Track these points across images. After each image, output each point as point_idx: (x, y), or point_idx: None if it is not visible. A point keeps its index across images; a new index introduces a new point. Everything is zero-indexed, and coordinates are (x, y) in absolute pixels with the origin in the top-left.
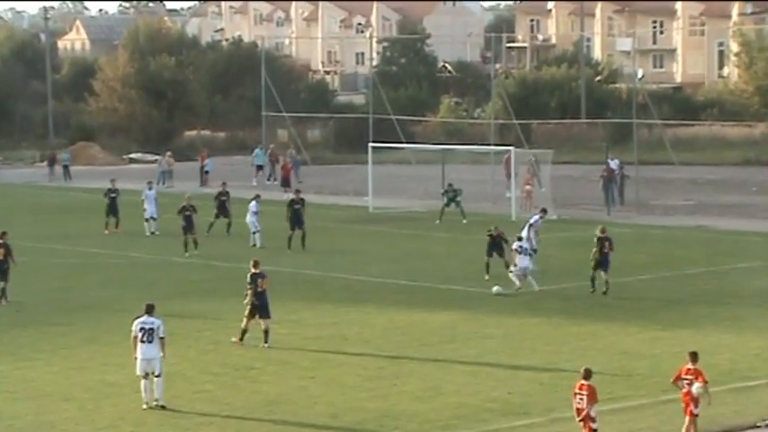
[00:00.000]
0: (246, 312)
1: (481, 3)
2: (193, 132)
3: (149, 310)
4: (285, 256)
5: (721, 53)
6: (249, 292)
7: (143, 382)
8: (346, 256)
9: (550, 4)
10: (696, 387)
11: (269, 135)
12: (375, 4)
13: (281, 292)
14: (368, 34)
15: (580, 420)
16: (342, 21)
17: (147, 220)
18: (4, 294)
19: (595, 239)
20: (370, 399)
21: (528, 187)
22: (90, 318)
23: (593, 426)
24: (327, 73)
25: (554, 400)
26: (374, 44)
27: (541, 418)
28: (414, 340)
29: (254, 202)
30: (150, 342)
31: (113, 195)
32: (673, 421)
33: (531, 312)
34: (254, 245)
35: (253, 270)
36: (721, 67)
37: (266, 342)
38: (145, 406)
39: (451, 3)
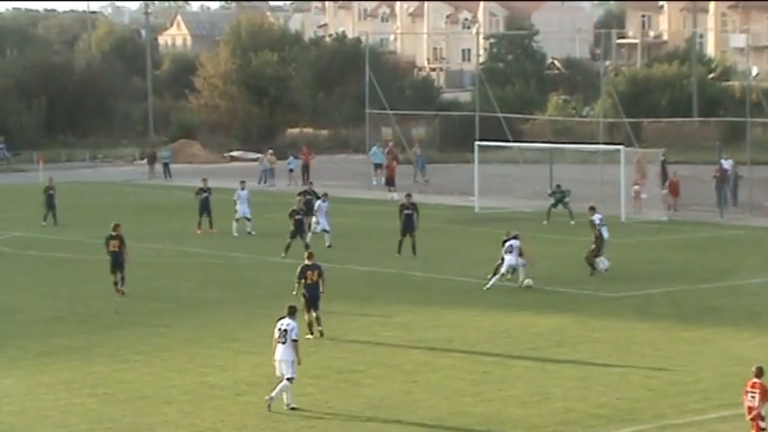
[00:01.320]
0: (303, 305)
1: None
2: (296, 130)
3: (291, 313)
4: (390, 257)
5: None
6: (297, 283)
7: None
8: (451, 257)
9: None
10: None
11: (373, 133)
12: None
13: (385, 293)
14: (474, 30)
15: (751, 419)
16: (448, 16)
17: (236, 220)
18: (123, 284)
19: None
20: (475, 403)
21: (637, 187)
22: (189, 319)
23: (762, 425)
24: (433, 70)
25: (663, 406)
26: (481, 40)
27: (650, 425)
28: (520, 343)
29: (321, 201)
30: (284, 343)
31: (205, 195)
32: None
33: (639, 316)
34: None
35: (306, 262)
36: None
37: (319, 326)
38: (285, 407)
39: None
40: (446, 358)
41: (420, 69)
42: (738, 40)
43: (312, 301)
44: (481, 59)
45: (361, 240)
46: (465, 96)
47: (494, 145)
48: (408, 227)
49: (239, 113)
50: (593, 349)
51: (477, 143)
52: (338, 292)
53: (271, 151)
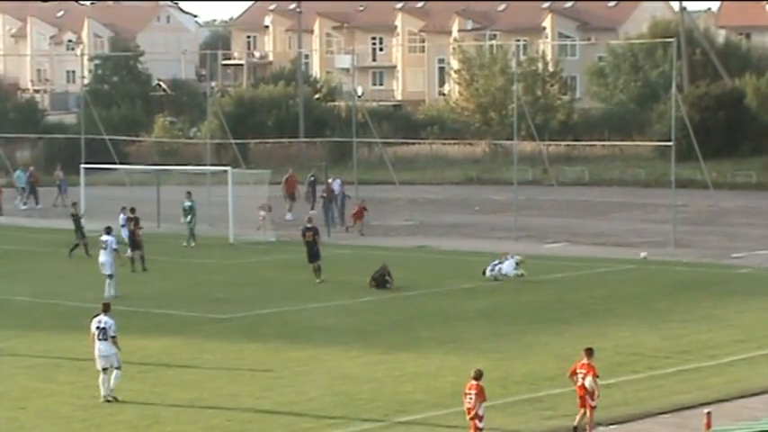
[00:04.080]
0: None
1: (197, 19)
2: None
3: (105, 309)
4: None
5: (442, 70)
6: None
7: (101, 376)
8: (59, 281)
9: (267, 20)
10: (589, 381)
11: None
12: (86, 20)
13: None
14: (79, 51)
15: (470, 419)
16: (52, 37)
17: None
18: None
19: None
20: (84, 429)
21: (263, 213)
22: None
23: (480, 425)
24: (37, 92)
25: (274, 426)
26: (85, 62)
27: None
28: (130, 367)
29: (122, 215)
30: (105, 340)
31: None
32: None
33: (249, 338)
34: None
35: None
36: (442, 84)
37: None
38: (102, 399)
39: (165, 19)
40: (55, 384)
41: (24, 91)
42: (343, 61)
43: None
44: (86, 81)
45: None
46: (70, 118)
47: (100, 167)
48: (131, 245)
49: None
50: (203, 371)
51: (82, 166)
52: None
53: None
